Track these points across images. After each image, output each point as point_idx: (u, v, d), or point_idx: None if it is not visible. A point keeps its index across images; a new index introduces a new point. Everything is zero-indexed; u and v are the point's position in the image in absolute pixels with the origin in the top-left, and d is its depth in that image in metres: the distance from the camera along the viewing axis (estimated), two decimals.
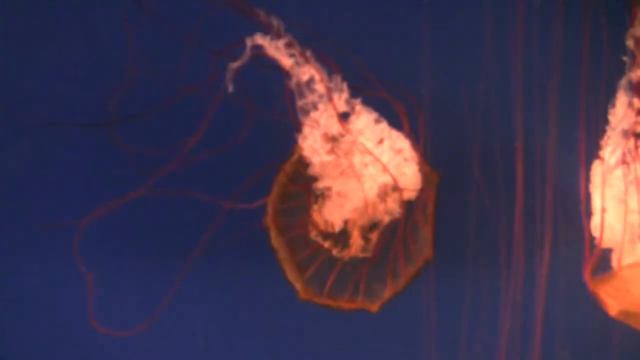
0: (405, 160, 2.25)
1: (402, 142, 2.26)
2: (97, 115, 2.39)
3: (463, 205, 2.40)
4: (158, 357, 2.47)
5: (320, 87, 2.20)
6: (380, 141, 2.24)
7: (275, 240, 2.28)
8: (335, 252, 2.28)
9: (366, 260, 2.29)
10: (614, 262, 2.27)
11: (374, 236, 2.27)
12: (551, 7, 2.38)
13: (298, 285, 2.29)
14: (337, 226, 2.26)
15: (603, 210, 2.29)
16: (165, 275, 2.41)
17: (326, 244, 2.27)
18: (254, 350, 2.47)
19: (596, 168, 2.31)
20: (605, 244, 2.29)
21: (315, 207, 2.27)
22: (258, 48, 2.18)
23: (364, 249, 2.27)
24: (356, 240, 2.26)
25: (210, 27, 2.34)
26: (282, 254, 2.28)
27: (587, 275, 2.27)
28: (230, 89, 2.19)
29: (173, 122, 2.38)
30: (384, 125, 2.25)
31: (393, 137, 2.25)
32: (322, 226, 2.26)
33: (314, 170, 2.25)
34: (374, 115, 2.25)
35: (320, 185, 2.26)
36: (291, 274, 2.28)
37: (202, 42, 2.30)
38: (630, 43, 2.28)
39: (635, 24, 2.29)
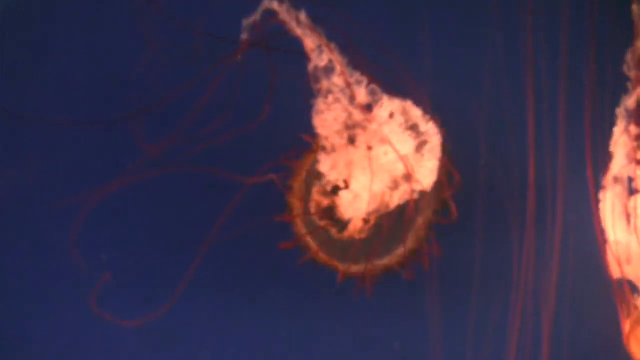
0: (429, 153, 2.25)
1: (431, 136, 2.24)
2: (110, 111, 2.42)
3: (471, 210, 2.43)
4: (166, 347, 2.46)
5: (340, 79, 2.21)
6: (405, 129, 2.23)
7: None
8: (333, 232, 2.32)
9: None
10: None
11: (373, 218, 2.29)
12: (557, 18, 2.46)
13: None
14: (359, 217, 2.29)
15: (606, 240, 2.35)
16: (178, 260, 2.41)
17: (323, 223, 2.31)
18: (261, 340, 2.48)
19: (604, 197, 2.35)
20: (627, 274, 2.32)
21: (317, 188, 2.29)
22: (275, 15, 2.18)
23: (361, 231, 2.30)
24: (356, 222, 2.30)
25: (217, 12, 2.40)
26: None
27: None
28: (245, 36, 2.18)
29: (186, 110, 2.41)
30: (414, 114, 2.24)
31: (422, 128, 2.24)
32: (323, 204, 2.29)
33: (326, 155, 2.26)
34: (401, 105, 2.23)
35: (328, 171, 2.27)
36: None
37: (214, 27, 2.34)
38: (627, 70, 2.37)
39: (629, 52, 2.38)
